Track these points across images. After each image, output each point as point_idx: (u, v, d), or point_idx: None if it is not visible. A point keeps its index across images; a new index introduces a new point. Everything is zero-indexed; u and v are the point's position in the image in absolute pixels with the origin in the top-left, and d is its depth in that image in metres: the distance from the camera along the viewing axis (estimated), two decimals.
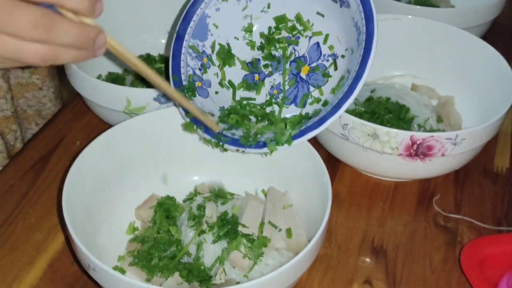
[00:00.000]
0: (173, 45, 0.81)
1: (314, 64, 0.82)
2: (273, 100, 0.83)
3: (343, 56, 0.80)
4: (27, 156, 0.89)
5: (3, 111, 0.94)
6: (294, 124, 0.75)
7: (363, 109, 0.87)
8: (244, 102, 0.82)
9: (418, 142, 0.75)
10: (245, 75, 0.85)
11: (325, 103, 0.79)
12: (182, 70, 0.80)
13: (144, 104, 0.81)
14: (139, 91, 0.82)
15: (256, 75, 0.85)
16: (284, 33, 0.84)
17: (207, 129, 0.75)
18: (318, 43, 0.82)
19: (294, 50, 0.84)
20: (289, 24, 0.83)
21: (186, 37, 0.82)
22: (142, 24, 1.03)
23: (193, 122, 0.75)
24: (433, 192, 0.85)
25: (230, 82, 0.84)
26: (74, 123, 0.95)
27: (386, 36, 0.96)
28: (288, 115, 0.81)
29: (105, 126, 0.88)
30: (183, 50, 0.81)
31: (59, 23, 0.47)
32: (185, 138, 0.79)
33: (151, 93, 0.80)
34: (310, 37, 0.83)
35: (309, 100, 0.81)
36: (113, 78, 0.96)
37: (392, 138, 0.75)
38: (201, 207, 0.72)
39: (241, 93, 0.84)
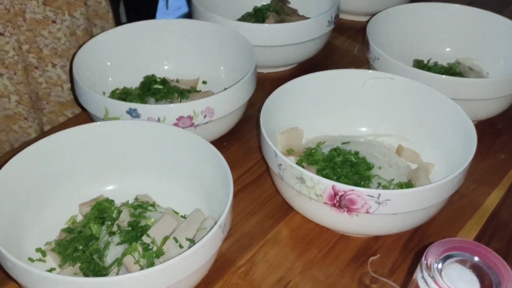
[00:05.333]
0: None
1: None
2: None
3: None
4: None
5: None
6: None
7: (321, 158, 0.89)
8: None
9: (340, 194, 0.75)
10: None
11: None
12: None
13: (118, 115, 0.90)
14: (116, 103, 0.90)
15: None
16: None
17: None
18: None
19: None
20: None
21: None
22: None
23: None
24: (375, 252, 0.84)
25: None
26: None
27: (381, 94, 0.98)
28: None
29: None
30: None
31: None
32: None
33: (125, 106, 0.89)
34: None
35: None
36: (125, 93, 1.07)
37: (316, 185, 0.76)
38: (120, 212, 0.78)
39: None
